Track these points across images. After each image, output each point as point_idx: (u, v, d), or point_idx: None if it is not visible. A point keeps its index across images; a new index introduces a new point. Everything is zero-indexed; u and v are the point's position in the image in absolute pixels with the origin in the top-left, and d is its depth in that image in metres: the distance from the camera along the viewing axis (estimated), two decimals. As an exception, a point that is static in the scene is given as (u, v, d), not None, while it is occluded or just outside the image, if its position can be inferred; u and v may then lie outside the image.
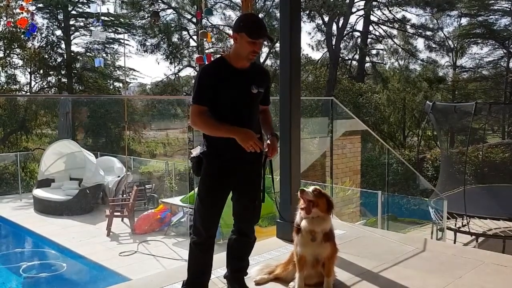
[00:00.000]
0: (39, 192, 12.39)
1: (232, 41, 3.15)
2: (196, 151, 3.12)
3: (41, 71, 23.72)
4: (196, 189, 3.23)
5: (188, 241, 3.21)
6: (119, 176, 12.53)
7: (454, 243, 9.21)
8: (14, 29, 19.21)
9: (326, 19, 26.14)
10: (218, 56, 3.09)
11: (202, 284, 3.18)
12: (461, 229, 9.56)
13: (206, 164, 3.04)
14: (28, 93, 24.57)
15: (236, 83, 3.00)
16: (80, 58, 25.28)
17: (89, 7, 23.38)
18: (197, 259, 3.14)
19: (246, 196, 3.16)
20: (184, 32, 26.34)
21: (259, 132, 3.18)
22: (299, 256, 3.20)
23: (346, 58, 28.10)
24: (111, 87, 26.27)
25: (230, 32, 26.31)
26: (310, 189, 3.12)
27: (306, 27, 27.65)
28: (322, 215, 3.11)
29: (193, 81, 2.88)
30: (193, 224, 3.17)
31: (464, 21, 25.68)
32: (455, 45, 26.16)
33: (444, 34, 25.96)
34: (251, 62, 3.09)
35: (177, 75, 27.62)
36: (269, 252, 4.14)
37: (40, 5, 23.03)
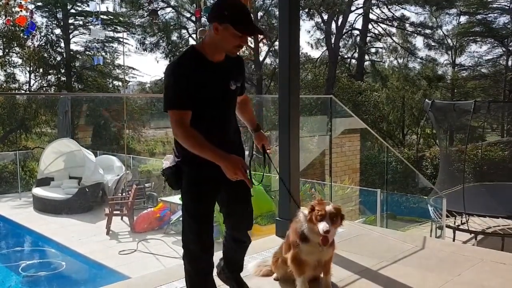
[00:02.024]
0: (38, 191, 12.38)
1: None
2: (168, 161, 2.75)
3: (41, 70, 23.71)
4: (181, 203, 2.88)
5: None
6: (118, 175, 12.53)
7: (453, 241, 9.23)
8: (13, 27, 19.20)
9: (325, 17, 26.16)
10: (188, 47, 2.67)
11: None
12: (460, 227, 9.58)
13: (189, 172, 2.67)
14: (28, 92, 24.56)
15: (214, 81, 2.62)
16: (80, 57, 25.27)
17: (88, 5, 23.33)
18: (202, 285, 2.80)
19: (236, 202, 2.88)
20: (183, 31, 26.34)
21: (237, 135, 2.87)
22: (302, 261, 3.04)
23: (345, 56, 28.13)
24: (111, 86, 26.27)
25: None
26: (328, 219, 2.83)
27: (305, 25, 27.79)
28: (334, 230, 2.93)
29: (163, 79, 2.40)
30: (187, 249, 2.73)
31: (463, 19, 25.78)
32: (454, 43, 26.19)
33: (443, 32, 26.02)
34: (225, 57, 2.68)
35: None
36: (268, 250, 4.14)
37: (39, 3, 23.02)
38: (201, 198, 2.69)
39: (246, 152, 3.05)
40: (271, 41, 25.14)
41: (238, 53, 2.69)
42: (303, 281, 3.09)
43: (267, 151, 3.01)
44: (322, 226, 2.81)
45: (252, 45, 25.40)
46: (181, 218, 9.41)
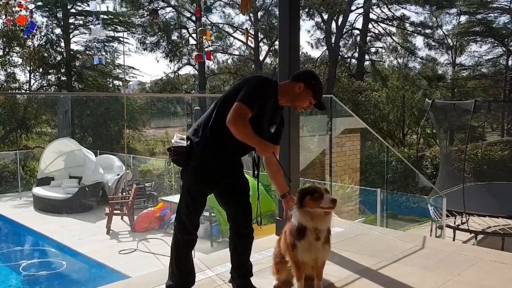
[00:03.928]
0: (38, 191, 12.40)
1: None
2: (177, 139, 3.03)
3: (41, 69, 23.70)
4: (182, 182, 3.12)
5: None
6: (118, 174, 12.54)
7: (453, 240, 9.23)
8: (13, 27, 19.19)
9: (326, 17, 26.14)
10: (274, 80, 3.08)
11: (193, 282, 3.16)
12: (460, 226, 9.57)
13: (200, 156, 2.94)
14: (28, 91, 24.56)
15: (269, 117, 3.02)
16: (80, 57, 25.27)
17: (88, 5, 23.35)
18: (185, 256, 3.11)
19: (236, 194, 3.14)
20: (184, 30, 26.33)
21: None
22: (301, 262, 3.05)
23: (346, 56, 28.11)
24: (111, 85, 26.27)
25: (230, 30, 26.38)
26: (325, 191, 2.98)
27: (306, 25, 27.75)
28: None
29: (245, 82, 2.74)
30: (178, 220, 3.07)
31: (463, 19, 25.72)
32: (454, 43, 26.16)
33: (443, 32, 25.99)
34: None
35: (176, 73, 27.63)
36: (268, 249, 4.14)
37: (40, 3, 23.02)
38: (203, 181, 2.99)
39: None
40: (271, 40, 25.13)
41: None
42: (300, 285, 3.10)
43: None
44: (327, 198, 2.88)
45: (253, 45, 25.42)
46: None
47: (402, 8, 25.63)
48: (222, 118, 2.85)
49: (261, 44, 26.14)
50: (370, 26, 26.80)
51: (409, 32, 26.44)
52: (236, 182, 3.14)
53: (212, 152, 2.96)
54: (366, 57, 27.74)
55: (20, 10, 10.27)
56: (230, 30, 26.51)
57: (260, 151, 2.99)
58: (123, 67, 25.69)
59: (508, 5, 23.93)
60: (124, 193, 11.45)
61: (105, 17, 23.01)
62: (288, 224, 3.14)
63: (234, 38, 26.69)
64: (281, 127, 3.22)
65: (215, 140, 2.94)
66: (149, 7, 24.25)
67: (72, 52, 24.55)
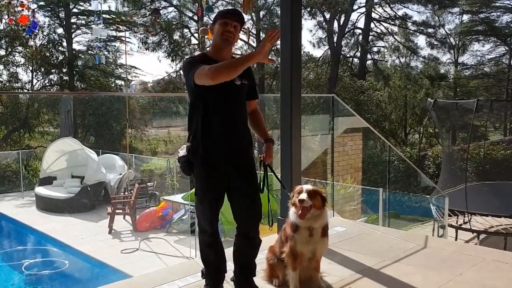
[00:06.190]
0: (41, 190, 12.42)
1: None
2: (183, 151, 3.09)
3: (43, 69, 23.73)
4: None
5: (189, 239, 3.24)
6: (120, 174, 12.55)
7: (456, 240, 9.20)
8: (15, 27, 19.22)
9: (328, 16, 26.09)
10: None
11: (218, 278, 3.20)
12: (462, 226, 9.55)
13: (195, 163, 3.04)
14: (30, 91, 24.60)
15: None
16: (82, 56, 25.30)
17: (90, 5, 23.38)
18: (209, 256, 3.18)
19: (242, 194, 3.11)
20: (186, 30, 26.33)
21: (246, 131, 3.14)
22: (298, 253, 3.11)
23: (348, 55, 28.05)
24: (113, 85, 26.31)
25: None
26: (305, 193, 2.99)
27: (307, 24, 27.67)
28: (318, 212, 3.04)
29: (182, 75, 2.98)
30: (198, 223, 3.22)
31: (465, 18, 25.68)
32: (457, 42, 26.12)
33: (446, 31, 25.93)
34: (232, 56, 3.08)
35: (178, 73, 27.62)
36: (270, 249, 4.14)
37: (42, 3, 23.06)
38: (206, 185, 3.06)
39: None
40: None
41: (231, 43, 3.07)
42: (295, 275, 3.15)
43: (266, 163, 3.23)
44: (293, 200, 3.02)
45: (254, 44, 25.43)
46: (183, 217, 9.46)
47: (404, 7, 25.59)
48: (193, 112, 3.01)
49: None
50: (372, 25, 26.77)
51: (411, 31, 26.39)
52: (241, 182, 3.09)
53: (198, 154, 3.01)
54: (368, 56, 27.69)
55: (22, 10, 10.28)
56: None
57: (260, 56, 2.70)
58: (125, 66, 25.73)
59: (511, 4, 23.89)
60: (126, 193, 11.47)
61: (107, 16, 23.03)
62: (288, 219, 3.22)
63: (236, 37, 26.63)
64: (250, 80, 3.14)
65: (194, 141, 3.01)
66: (151, 7, 24.23)
67: (74, 52, 24.58)
